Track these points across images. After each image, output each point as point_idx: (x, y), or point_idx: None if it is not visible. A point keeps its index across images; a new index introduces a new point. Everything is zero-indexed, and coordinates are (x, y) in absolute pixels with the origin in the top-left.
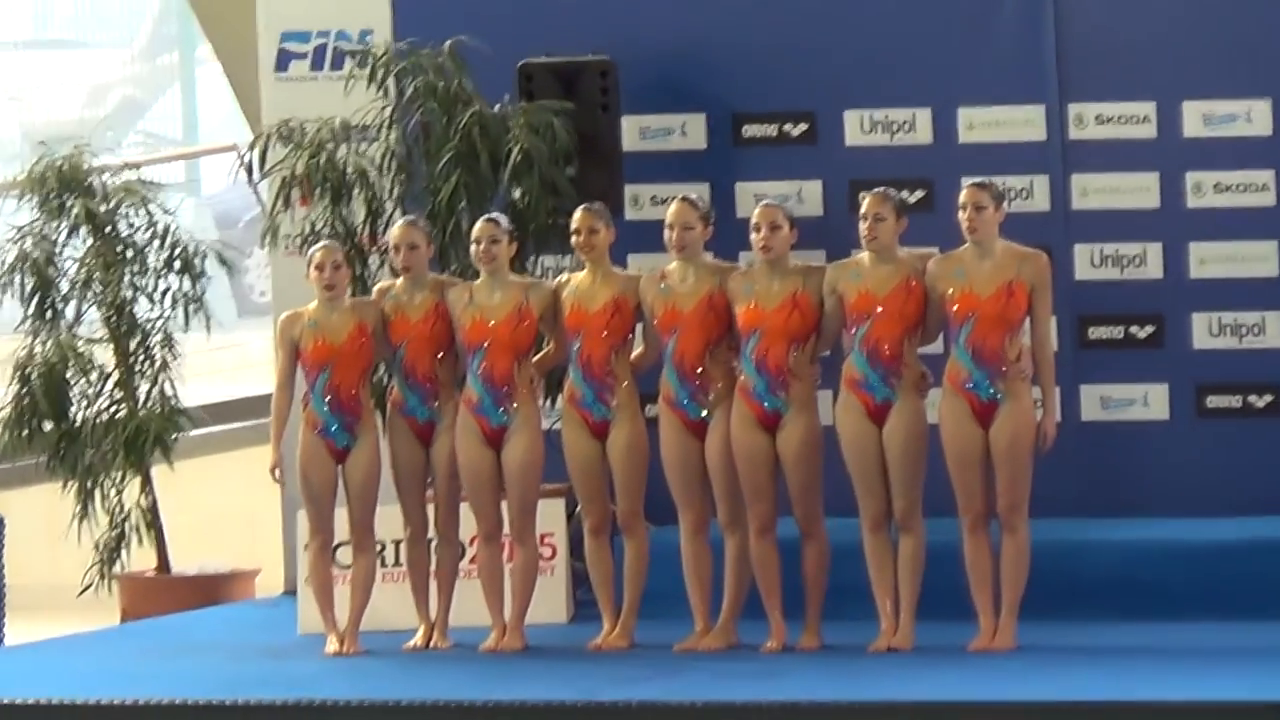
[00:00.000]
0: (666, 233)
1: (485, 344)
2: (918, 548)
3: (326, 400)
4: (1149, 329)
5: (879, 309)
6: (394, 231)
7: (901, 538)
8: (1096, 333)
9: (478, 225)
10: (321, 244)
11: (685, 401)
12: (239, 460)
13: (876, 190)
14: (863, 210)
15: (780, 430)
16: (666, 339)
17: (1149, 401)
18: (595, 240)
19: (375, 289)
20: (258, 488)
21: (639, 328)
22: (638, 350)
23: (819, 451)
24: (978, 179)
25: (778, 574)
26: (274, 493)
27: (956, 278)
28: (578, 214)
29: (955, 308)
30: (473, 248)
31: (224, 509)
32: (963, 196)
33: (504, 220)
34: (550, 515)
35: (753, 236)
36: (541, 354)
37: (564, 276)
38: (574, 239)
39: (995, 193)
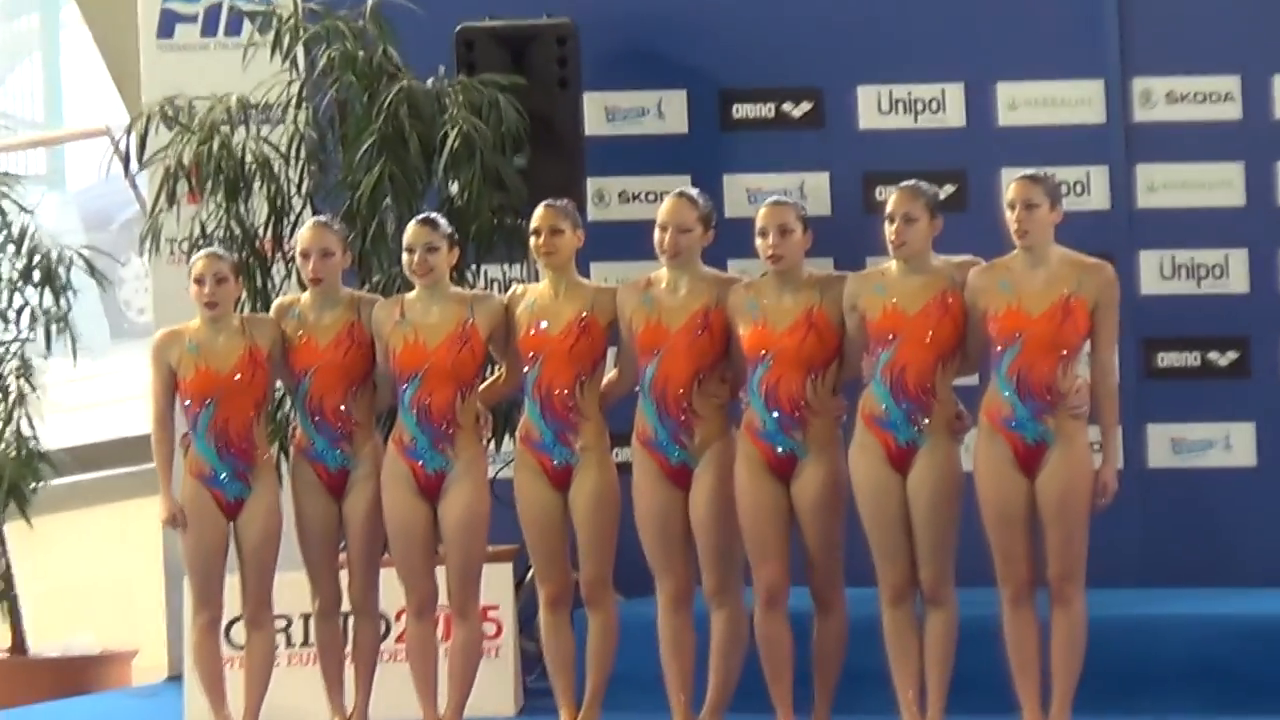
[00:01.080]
0: (658, 234)
1: (421, 371)
2: (949, 625)
3: (212, 441)
4: (1231, 355)
5: (906, 329)
6: (302, 234)
7: (929, 612)
8: (1167, 359)
9: (410, 229)
10: (204, 251)
11: (665, 442)
12: (112, 516)
13: (906, 184)
14: (889, 209)
15: (796, 478)
16: (646, 362)
17: (1231, 444)
18: (559, 243)
19: (274, 304)
20: (134, 550)
21: (611, 354)
22: (609, 377)
23: (842, 503)
24: (1029, 171)
25: (790, 656)
26: (155, 556)
27: (1001, 291)
28: (539, 211)
29: (998, 327)
30: (405, 257)
31: (94, 576)
32: (1011, 192)
33: (443, 223)
34: (496, 583)
35: (759, 242)
36: (489, 383)
37: (518, 288)
38: (533, 241)
39: (1050, 187)
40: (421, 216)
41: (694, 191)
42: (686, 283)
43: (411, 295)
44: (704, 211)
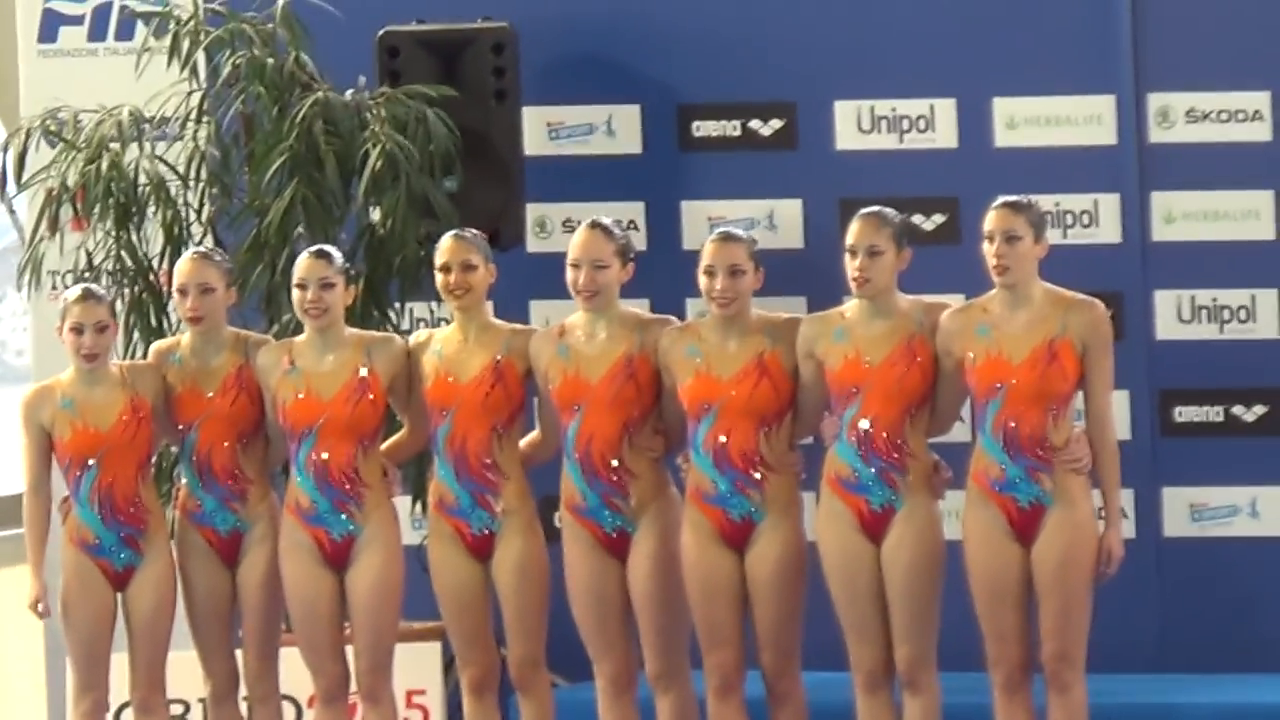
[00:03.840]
0: (570, 273)
1: (315, 427)
2: (930, 714)
3: (96, 506)
4: (1259, 409)
5: (870, 381)
6: (179, 268)
7: (907, 699)
8: (1185, 414)
9: (302, 262)
10: (78, 292)
11: (595, 507)
12: None
13: (869, 211)
14: (850, 240)
15: (751, 546)
16: (568, 420)
17: (1258, 511)
18: (472, 280)
19: (153, 349)
20: (9, 626)
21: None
22: (532, 436)
23: (803, 578)
24: (1009, 198)
25: None
26: (34, 634)
27: (979, 336)
28: (446, 244)
29: (978, 378)
30: (296, 294)
31: None
32: (989, 222)
33: (337, 256)
34: (422, 665)
35: (703, 282)
36: (393, 440)
37: (421, 333)
38: (441, 278)
39: (1033, 216)
40: (314, 249)
41: (607, 221)
42: (605, 326)
43: (301, 340)
44: (621, 243)
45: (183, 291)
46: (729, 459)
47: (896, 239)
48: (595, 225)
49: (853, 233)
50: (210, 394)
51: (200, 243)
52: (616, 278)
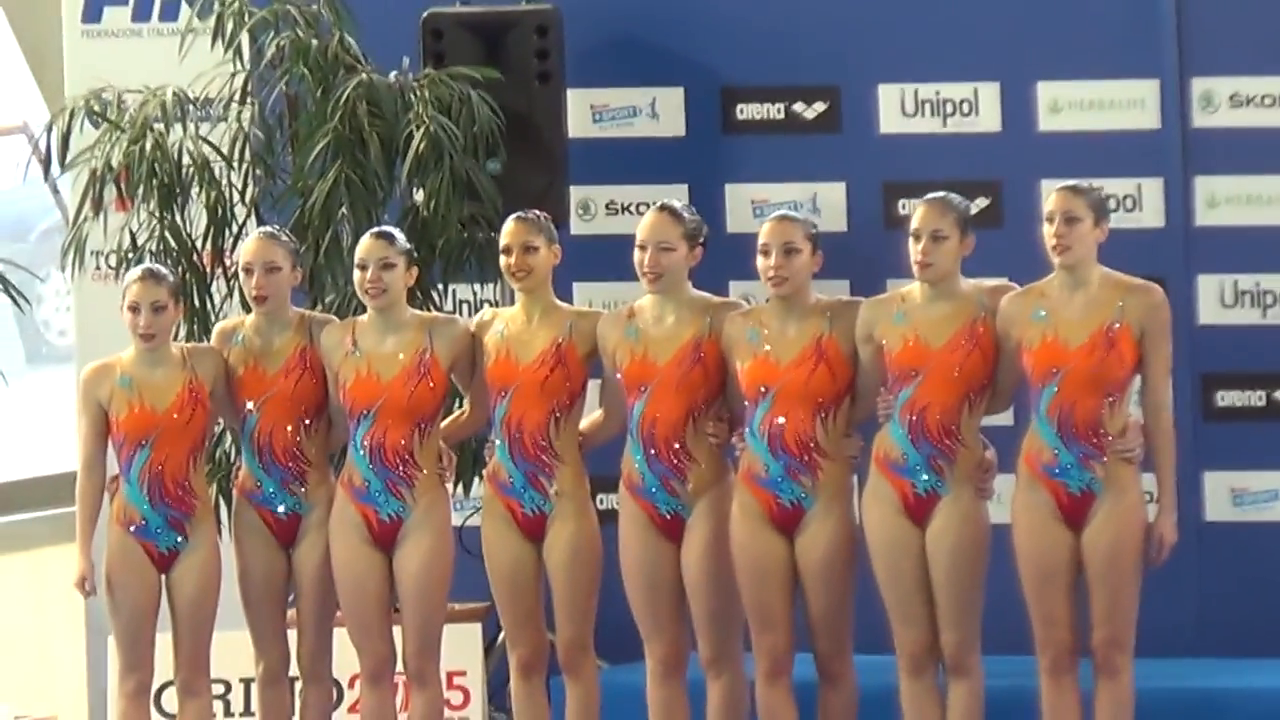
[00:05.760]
0: (638, 254)
1: (375, 406)
2: (974, 697)
3: (145, 487)
4: None
5: (931, 365)
6: (245, 246)
7: (952, 683)
8: (1227, 398)
9: (364, 243)
10: (139, 271)
11: (655, 490)
12: (27, 566)
13: (934, 196)
14: (915, 224)
15: (801, 532)
16: (633, 401)
17: None
18: (533, 261)
19: (215, 330)
20: (53, 604)
21: (594, 387)
22: (592, 417)
23: (854, 562)
24: (1071, 182)
25: None
26: (76, 612)
27: (1036, 320)
28: (509, 225)
29: (1034, 362)
30: (357, 274)
31: (5, 633)
32: (1050, 204)
33: (400, 237)
34: (463, 646)
35: (760, 262)
36: (452, 419)
37: (486, 312)
38: (503, 259)
39: (1095, 201)
40: (376, 230)
41: (678, 204)
42: (674, 309)
43: (364, 319)
44: (690, 227)
45: (248, 270)
46: (784, 443)
47: (961, 225)
48: (664, 208)
49: (917, 217)
50: (272, 374)
51: (244, 224)
52: (684, 260)
